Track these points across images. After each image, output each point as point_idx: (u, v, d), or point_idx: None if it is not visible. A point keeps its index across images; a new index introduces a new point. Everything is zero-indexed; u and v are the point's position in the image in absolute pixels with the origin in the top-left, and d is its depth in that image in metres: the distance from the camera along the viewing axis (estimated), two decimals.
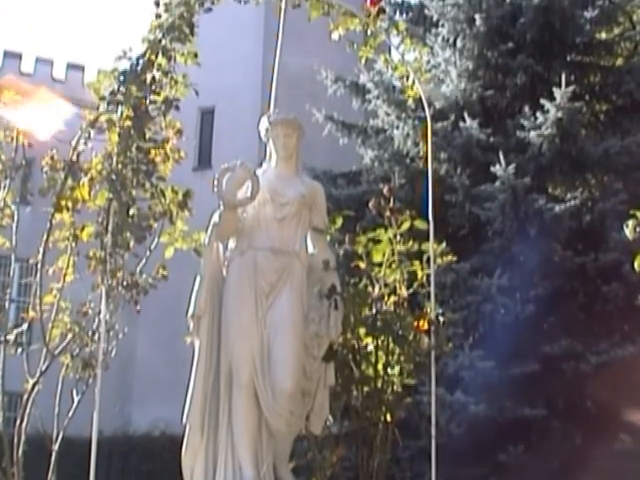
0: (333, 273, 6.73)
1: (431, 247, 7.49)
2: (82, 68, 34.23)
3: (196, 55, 7.45)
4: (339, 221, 7.22)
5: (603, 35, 19.52)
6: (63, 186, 7.31)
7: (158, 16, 7.44)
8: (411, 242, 7.29)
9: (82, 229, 7.38)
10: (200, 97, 7.49)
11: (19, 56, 33.82)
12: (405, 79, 8.22)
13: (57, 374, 7.58)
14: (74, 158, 7.34)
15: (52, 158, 7.41)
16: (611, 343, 14.68)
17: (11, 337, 7.62)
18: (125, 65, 7.32)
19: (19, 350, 7.61)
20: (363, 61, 8.67)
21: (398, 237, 7.21)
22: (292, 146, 6.91)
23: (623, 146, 16.06)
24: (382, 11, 7.83)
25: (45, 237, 7.34)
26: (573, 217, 15.59)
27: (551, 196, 16.26)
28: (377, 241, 7.23)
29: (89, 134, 7.38)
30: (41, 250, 7.34)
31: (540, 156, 15.90)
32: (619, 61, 20.03)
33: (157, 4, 7.51)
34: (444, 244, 7.77)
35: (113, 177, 7.01)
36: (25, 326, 7.67)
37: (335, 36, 7.96)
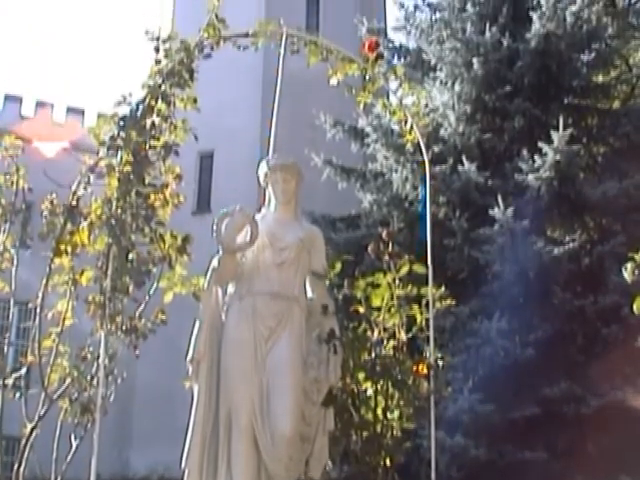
0: (332, 318, 6.72)
1: (430, 291, 7.49)
2: (82, 112, 34.42)
3: (195, 100, 7.48)
4: (338, 266, 7.21)
5: (600, 78, 19.67)
6: (62, 230, 7.30)
7: (158, 62, 7.47)
8: (410, 286, 7.29)
9: (81, 273, 7.37)
10: (199, 141, 7.50)
11: (19, 99, 33.99)
12: (403, 123, 8.25)
13: (55, 419, 7.54)
14: (74, 203, 7.34)
15: (52, 202, 7.42)
16: (611, 386, 14.64)
17: (9, 381, 7.60)
18: (125, 110, 7.33)
19: (17, 394, 7.58)
20: (362, 106, 8.70)
21: (397, 281, 7.21)
22: (291, 191, 6.94)
23: (621, 188, 16.12)
24: (380, 56, 7.89)
25: (44, 281, 7.33)
26: (572, 259, 15.61)
27: (550, 239, 16.29)
28: (376, 285, 7.23)
29: (89, 179, 7.39)
30: (40, 294, 7.33)
31: (538, 199, 15.95)
32: (616, 104, 20.17)
33: (157, 50, 7.54)
34: (443, 288, 7.76)
35: (112, 222, 7.00)
36: (24, 370, 7.64)
37: (334, 81, 8.01)
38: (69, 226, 7.32)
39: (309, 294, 6.82)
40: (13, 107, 33.53)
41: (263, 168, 7.02)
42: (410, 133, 8.11)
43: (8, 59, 64.87)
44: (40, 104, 34.36)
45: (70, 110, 34.91)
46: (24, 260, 7.85)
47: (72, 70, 75.02)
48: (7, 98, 33.81)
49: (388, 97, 9.56)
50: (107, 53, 79.54)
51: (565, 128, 15.72)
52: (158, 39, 7.56)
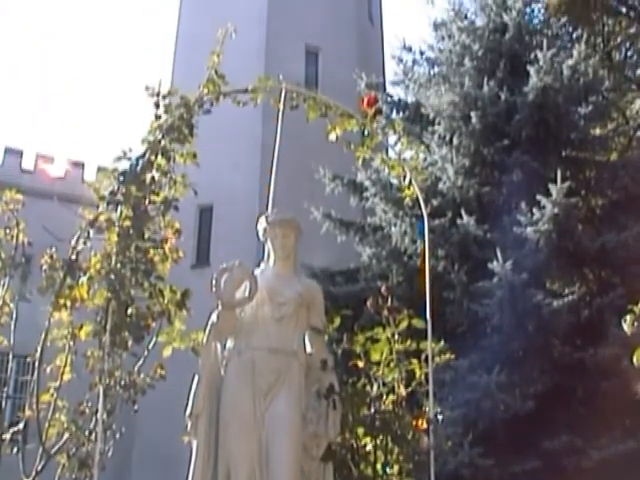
0: (331, 373, 6.71)
1: (429, 346, 7.48)
2: (82, 165, 34.53)
3: (195, 155, 7.54)
4: (337, 320, 7.22)
5: (597, 130, 19.78)
6: (62, 285, 7.31)
7: (158, 117, 7.53)
8: (409, 341, 7.29)
9: (80, 328, 7.37)
10: (198, 195, 7.54)
11: (20, 153, 34.10)
12: (402, 178, 8.30)
13: (53, 474, 7.49)
14: (73, 257, 7.36)
15: (51, 257, 7.43)
16: (612, 438, 14.53)
17: (7, 435, 7.57)
18: (125, 165, 7.38)
19: (15, 449, 7.54)
20: (360, 161, 8.75)
21: (396, 336, 7.21)
22: (290, 246, 6.97)
23: (620, 240, 16.14)
24: (379, 112, 7.94)
25: (43, 335, 7.33)
26: (571, 312, 15.58)
27: (549, 291, 16.26)
28: (375, 340, 7.23)
29: (88, 233, 7.41)
30: (39, 348, 7.33)
31: (537, 252, 15.94)
32: (614, 156, 20.28)
33: (157, 105, 7.60)
34: (442, 342, 7.76)
35: (112, 276, 7.02)
36: (21, 425, 7.62)
37: (332, 137, 8.05)
38: (68, 280, 7.33)
39: (308, 349, 6.81)
40: (14, 160, 33.64)
41: (262, 223, 7.05)
42: (409, 188, 8.15)
43: (9, 111, 65.23)
44: (40, 157, 34.48)
45: (70, 163, 35.01)
46: (23, 314, 7.85)
47: (73, 123, 75.39)
48: (7, 151, 33.92)
49: (387, 151, 9.62)
50: (108, 106, 79.96)
51: (563, 181, 15.76)
52: (158, 94, 7.62)
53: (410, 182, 8.05)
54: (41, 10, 77.39)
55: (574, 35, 26.59)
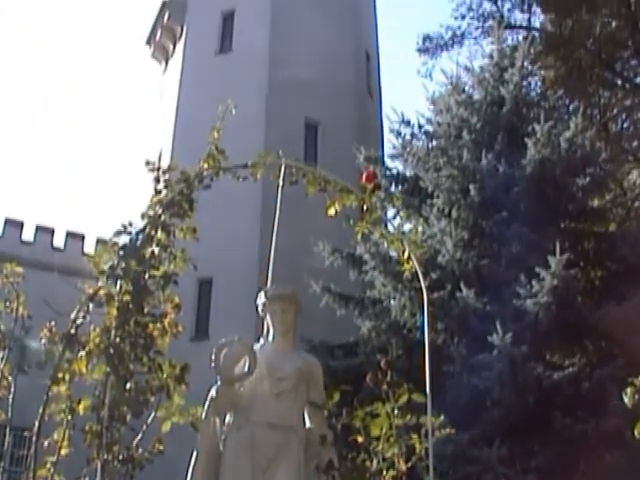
0: (330, 448, 6.67)
1: (429, 420, 7.43)
2: (82, 237, 34.60)
3: (195, 230, 7.55)
4: (336, 395, 7.18)
5: (595, 202, 19.91)
6: (61, 358, 7.28)
7: (158, 192, 7.57)
8: (409, 415, 7.24)
9: (79, 402, 7.31)
10: (198, 268, 7.55)
11: (20, 224, 34.17)
12: (401, 252, 8.31)
13: None
14: (72, 331, 7.34)
15: (50, 330, 7.42)
16: None
17: None
18: (125, 239, 7.40)
19: None
20: (359, 236, 8.77)
21: (396, 411, 7.16)
22: (289, 321, 6.96)
23: (620, 311, 16.14)
24: (378, 187, 7.99)
25: (41, 409, 7.28)
26: (572, 384, 15.52)
27: (549, 363, 16.23)
28: (375, 415, 7.18)
29: (88, 307, 7.40)
30: (37, 422, 7.27)
31: (537, 324, 15.94)
32: (612, 226, 20.35)
33: (157, 180, 7.65)
34: (442, 416, 7.71)
35: (111, 351, 7.00)
36: None
37: (331, 212, 8.08)
38: (67, 354, 7.30)
39: (307, 424, 6.78)
40: (14, 232, 33.70)
41: (261, 298, 7.06)
42: (408, 262, 8.15)
43: (10, 182, 65.59)
44: (40, 229, 34.54)
45: (70, 235, 35.08)
46: (21, 387, 7.81)
47: (73, 194, 75.74)
48: (7, 222, 34.00)
49: (386, 225, 9.65)
50: (108, 178, 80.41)
51: (562, 252, 15.81)
52: (158, 169, 7.67)
53: (409, 256, 8.07)
54: (43, 85, 78.24)
55: (571, 107, 26.88)
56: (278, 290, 7.06)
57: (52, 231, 34.73)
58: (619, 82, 31.40)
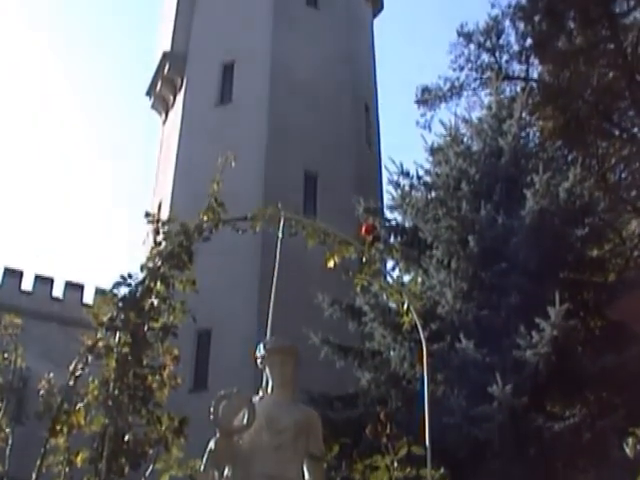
0: None
1: (429, 473, 7.40)
2: (81, 287, 34.60)
3: (194, 282, 7.57)
4: (336, 448, 7.15)
5: (594, 252, 19.91)
6: (59, 410, 7.26)
7: (158, 244, 7.59)
8: (409, 468, 7.21)
9: (76, 454, 7.28)
10: (197, 318, 7.55)
11: (20, 273, 34.20)
12: (400, 304, 8.31)
13: None
14: (71, 383, 7.32)
15: (49, 382, 7.41)
16: None
17: None
18: (124, 290, 7.40)
19: None
20: (359, 288, 8.78)
21: (395, 463, 7.13)
22: (289, 374, 6.94)
23: (620, 361, 16.10)
24: (377, 239, 8.02)
25: (39, 461, 7.24)
26: (573, 434, 15.42)
27: (550, 414, 16.15)
28: (374, 467, 7.15)
29: (87, 359, 7.39)
30: (34, 474, 7.23)
31: (537, 375, 15.88)
32: (611, 276, 20.34)
33: (157, 232, 7.67)
34: (442, 469, 7.67)
35: (109, 403, 6.98)
36: None
37: (331, 264, 8.09)
38: (65, 406, 7.28)
39: (307, 477, 6.73)
40: (13, 281, 33.75)
41: (261, 350, 7.04)
42: (407, 314, 8.16)
43: (9, 232, 65.69)
44: (39, 278, 34.58)
45: (69, 285, 35.09)
46: (19, 438, 7.78)
47: (73, 244, 75.82)
48: (6, 272, 34.04)
49: (385, 277, 9.67)
50: (107, 228, 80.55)
51: (561, 303, 15.77)
52: (158, 221, 7.69)
53: (408, 308, 8.08)
54: (43, 140, 78.67)
55: (569, 158, 27.00)
56: (277, 342, 7.04)
57: (51, 281, 34.79)
58: (617, 132, 31.56)
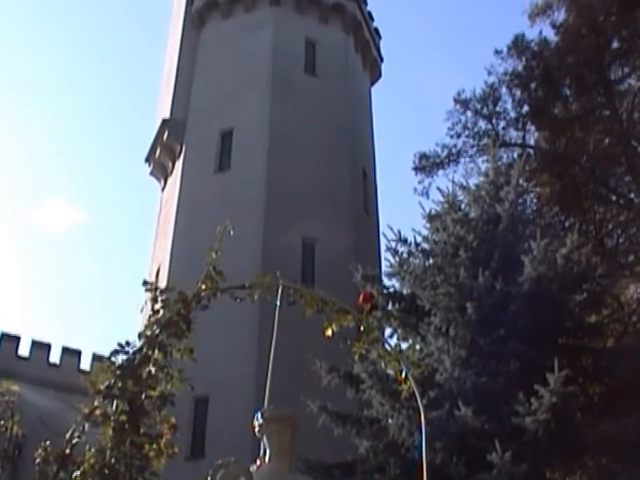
0: None
1: None
2: (78, 353, 34.54)
3: (192, 351, 7.57)
4: None
5: (593, 318, 19.90)
6: (55, 479, 7.22)
7: (156, 312, 7.60)
8: None
9: None
10: (194, 385, 7.54)
11: (17, 339, 34.14)
12: (399, 372, 8.30)
13: None
14: (67, 451, 7.29)
15: (45, 450, 7.37)
16: None
17: None
18: (122, 358, 7.39)
19: None
20: (357, 356, 8.78)
21: None
22: (286, 442, 6.93)
23: (620, 428, 16.00)
24: (374, 308, 8.04)
25: None
26: None
27: None
28: None
29: (83, 427, 7.37)
30: None
31: (536, 442, 15.77)
32: (610, 342, 20.32)
33: (155, 300, 7.68)
34: None
35: (106, 471, 6.95)
36: None
37: (329, 332, 8.10)
38: (62, 474, 7.24)
39: None
40: (10, 347, 33.69)
41: (258, 419, 7.03)
42: (405, 382, 8.15)
43: (6, 296, 65.66)
44: (36, 344, 34.52)
45: (66, 350, 35.03)
46: None
47: (70, 309, 75.73)
48: (4, 337, 34.00)
49: (383, 344, 9.67)
50: (105, 294, 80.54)
51: (560, 369, 15.72)
52: (156, 289, 7.71)
53: (406, 376, 8.07)
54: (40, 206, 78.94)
55: (567, 223, 27.15)
56: (275, 411, 7.04)
57: (48, 346, 34.72)
58: (614, 198, 31.72)
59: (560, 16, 32.97)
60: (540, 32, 33.14)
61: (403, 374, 8.05)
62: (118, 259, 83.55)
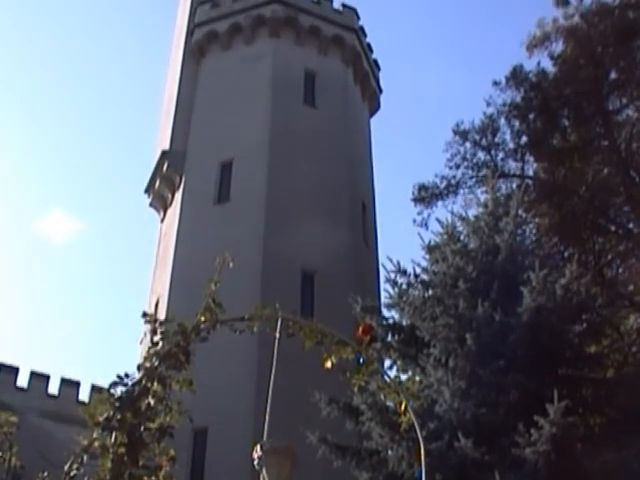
0: None
1: None
2: (77, 384, 34.42)
3: (191, 382, 7.55)
4: None
5: (592, 348, 19.88)
6: None
7: (155, 343, 7.59)
8: None
9: None
10: (193, 417, 7.52)
11: (15, 370, 34.06)
12: (398, 404, 8.29)
13: None
14: None
15: None
16: None
17: None
18: (121, 390, 7.37)
19: None
20: (356, 389, 8.77)
21: None
22: (285, 475, 6.92)
23: (620, 459, 15.95)
24: (374, 340, 8.04)
25: None
26: None
27: None
28: None
29: (82, 459, 7.34)
30: None
31: (536, 473, 15.72)
32: (610, 372, 20.28)
33: (154, 331, 7.67)
34: None
35: None
36: None
37: (328, 365, 8.08)
38: None
39: None
40: (8, 378, 33.59)
41: (257, 451, 7.02)
42: (405, 414, 8.14)
43: (5, 326, 65.58)
44: (35, 375, 34.43)
45: (65, 381, 34.93)
46: None
47: (69, 340, 75.58)
48: (2, 368, 33.91)
49: (383, 375, 9.65)
50: (104, 324, 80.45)
51: (560, 400, 15.69)
52: (155, 321, 7.71)
53: (406, 408, 8.06)
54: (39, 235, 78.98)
55: (566, 254, 27.14)
56: (274, 444, 7.03)
57: (47, 377, 34.62)
58: (613, 228, 31.73)
59: (558, 47, 33.18)
60: (538, 63, 33.30)
61: (403, 406, 8.04)
62: (117, 291, 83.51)
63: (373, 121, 41.31)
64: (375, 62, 41.97)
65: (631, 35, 30.85)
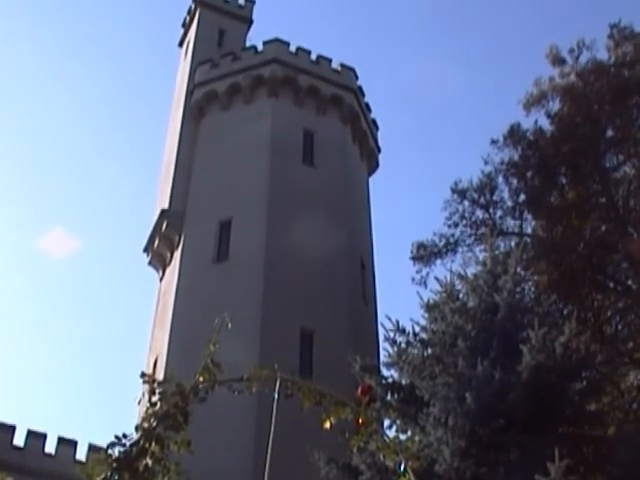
0: None
1: None
2: (74, 443, 34.14)
3: (189, 443, 7.51)
4: None
5: (593, 405, 19.80)
6: None
7: (153, 404, 7.56)
8: None
9: None
10: (192, 478, 7.47)
11: (12, 428, 33.80)
12: (397, 465, 8.23)
13: None
14: None
15: None
16: None
17: None
18: (118, 450, 7.34)
19: None
20: (355, 449, 8.74)
21: None
22: None
23: None
24: (373, 400, 8.01)
25: None
26: None
27: None
28: None
29: None
30: None
31: None
32: (611, 430, 20.17)
33: (152, 392, 7.65)
34: None
35: None
36: None
37: (327, 425, 8.05)
38: None
39: None
40: (5, 437, 33.34)
41: None
42: (404, 475, 8.08)
43: (2, 386, 65.27)
44: (32, 433, 34.17)
45: (62, 440, 34.66)
46: None
47: (66, 398, 75.21)
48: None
49: (382, 435, 9.61)
50: (101, 383, 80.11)
51: (561, 459, 15.55)
52: (154, 381, 7.68)
53: (406, 469, 8.00)
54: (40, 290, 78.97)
55: (565, 311, 27.09)
56: None
57: (44, 436, 34.35)
58: (611, 285, 31.74)
59: (555, 106, 33.45)
60: (535, 121, 33.56)
61: (402, 467, 7.98)
62: (115, 350, 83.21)
63: (371, 180, 41.53)
64: (373, 121, 42.25)
65: (627, 93, 31.13)
